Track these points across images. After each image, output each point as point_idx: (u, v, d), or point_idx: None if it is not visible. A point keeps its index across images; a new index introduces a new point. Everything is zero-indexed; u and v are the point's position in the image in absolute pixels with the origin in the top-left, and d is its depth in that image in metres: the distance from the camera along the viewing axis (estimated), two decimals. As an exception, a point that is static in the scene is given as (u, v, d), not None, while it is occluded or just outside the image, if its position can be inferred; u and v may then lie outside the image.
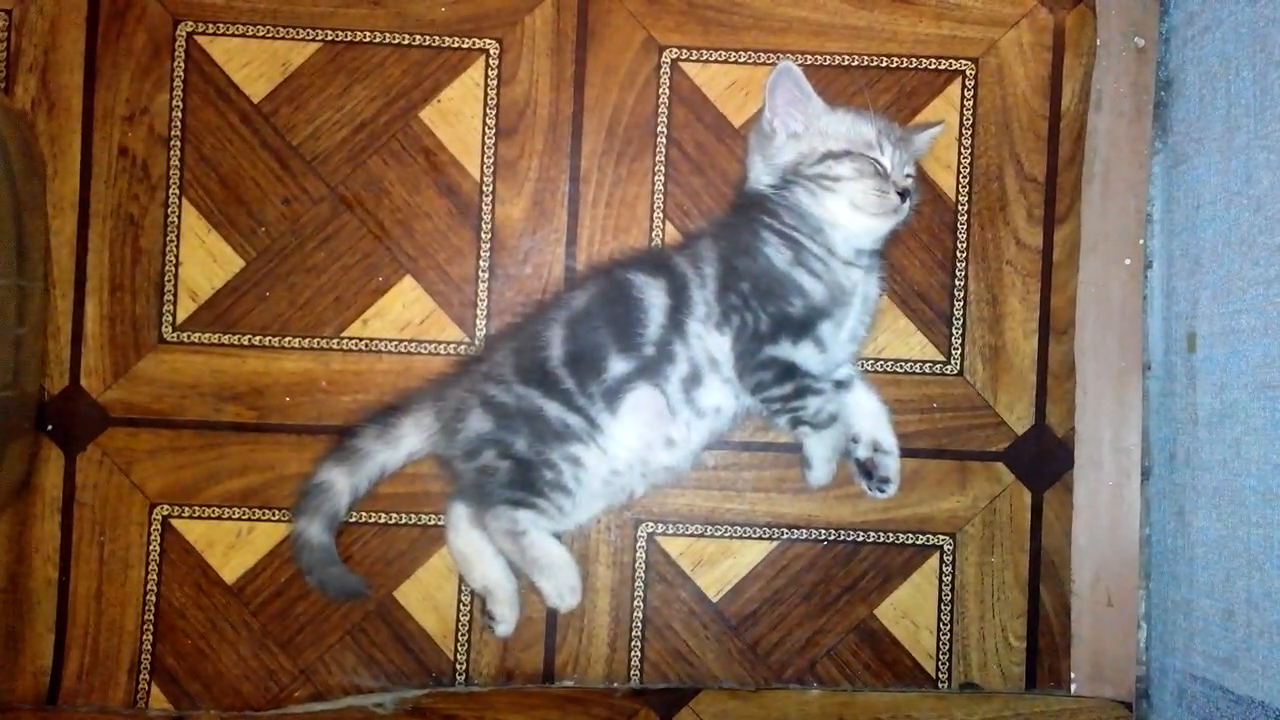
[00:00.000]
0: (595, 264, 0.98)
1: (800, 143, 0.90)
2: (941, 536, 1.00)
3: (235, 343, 1.00)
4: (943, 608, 0.99)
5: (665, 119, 1.00)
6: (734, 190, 0.98)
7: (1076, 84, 1.00)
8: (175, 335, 0.99)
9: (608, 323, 0.88)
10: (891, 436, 0.95)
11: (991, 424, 1.00)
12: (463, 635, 0.99)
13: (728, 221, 0.94)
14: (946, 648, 0.99)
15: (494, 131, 1.00)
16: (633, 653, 0.99)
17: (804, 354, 0.88)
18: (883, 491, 0.95)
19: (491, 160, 1.00)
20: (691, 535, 1.00)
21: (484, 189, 1.00)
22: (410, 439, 0.94)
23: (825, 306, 0.88)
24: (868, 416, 0.95)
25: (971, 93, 1.00)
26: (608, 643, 0.98)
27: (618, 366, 0.88)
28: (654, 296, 0.88)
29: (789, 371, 0.87)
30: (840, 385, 0.94)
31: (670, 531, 1.00)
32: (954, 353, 1.00)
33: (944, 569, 1.00)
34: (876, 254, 0.93)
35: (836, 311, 0.89)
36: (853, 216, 0.89)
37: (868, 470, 0.95)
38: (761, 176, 0.92)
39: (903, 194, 0.89)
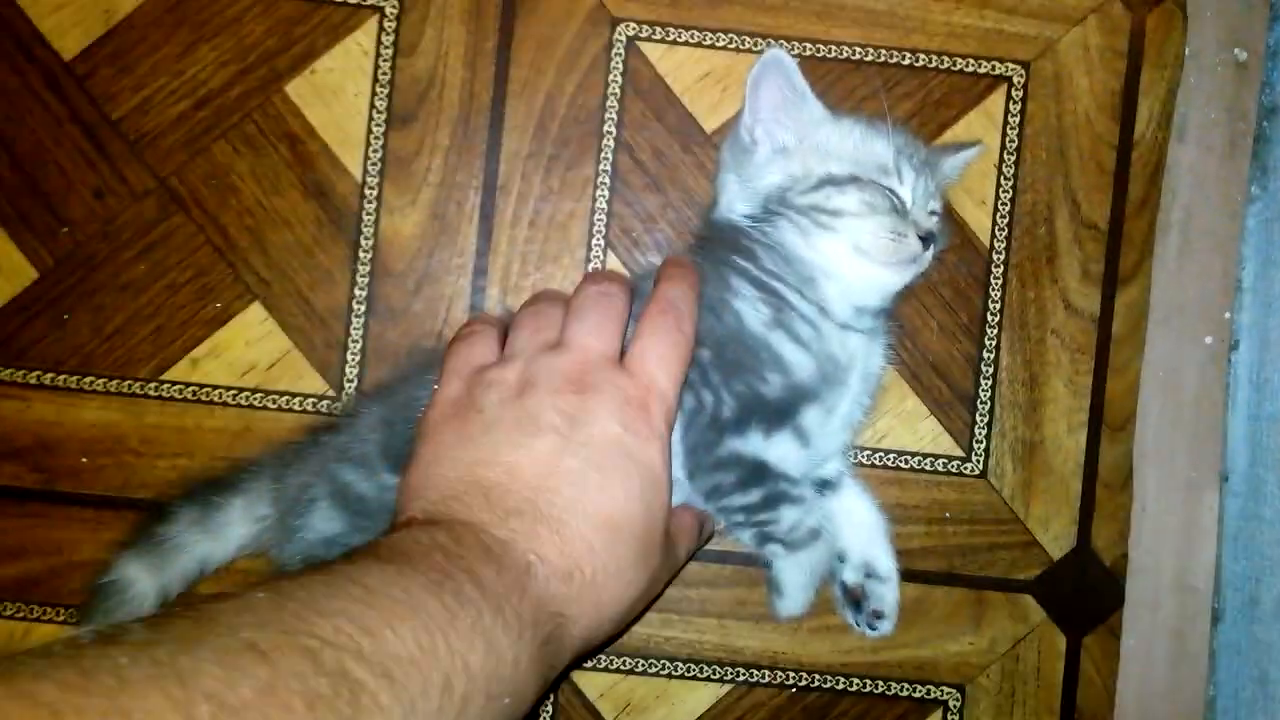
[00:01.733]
0: (505, 306, 0.73)
1: (790, 161, 0.65)
2: (947, 689, 0.76)
3: (19, 380, 0.74)
4: (943, 782, 0.75)
5: (615, 115, 0.75)
6: (700, 217, 0.74)
7: (1156, 104, 0.77)
8: (-66, 365, 0.73)
9: None
10: (890, 559, 0.71)
11: (1020, 544, 0.76)
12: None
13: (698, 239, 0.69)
14: (945, 836, 0.75)
15: (385, 117, 0.75)
16: (529, 825, 0.74)
17: (779, 450, 0.63)
18: (874, 629, 0.71)
19: (379, 155, 0.75)
20: (616, 671, 0.75)
21: (366, 193, 0.75)
22: (239, 529, 0.69)
23: (812, 386, 0.63)
24: (860, 529, 0.71)
25: (1019, 106, 0.76)
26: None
27: None
28: None
29: (758, 473, 0.63)
30: (825, 486, 0.70)
31: (589, 666, 0.75)
32: (976, 447, 0.76)
33: (947, 732, 0.76)
34: (883, 313, 0.69)
35: (827, 392, 0.64)
36: (856, 265, 0.64)
37: (856, 600, 0.71)
38: (735, 202, 0.67)
39: (925, 238, 0.64)
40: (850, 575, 0.71)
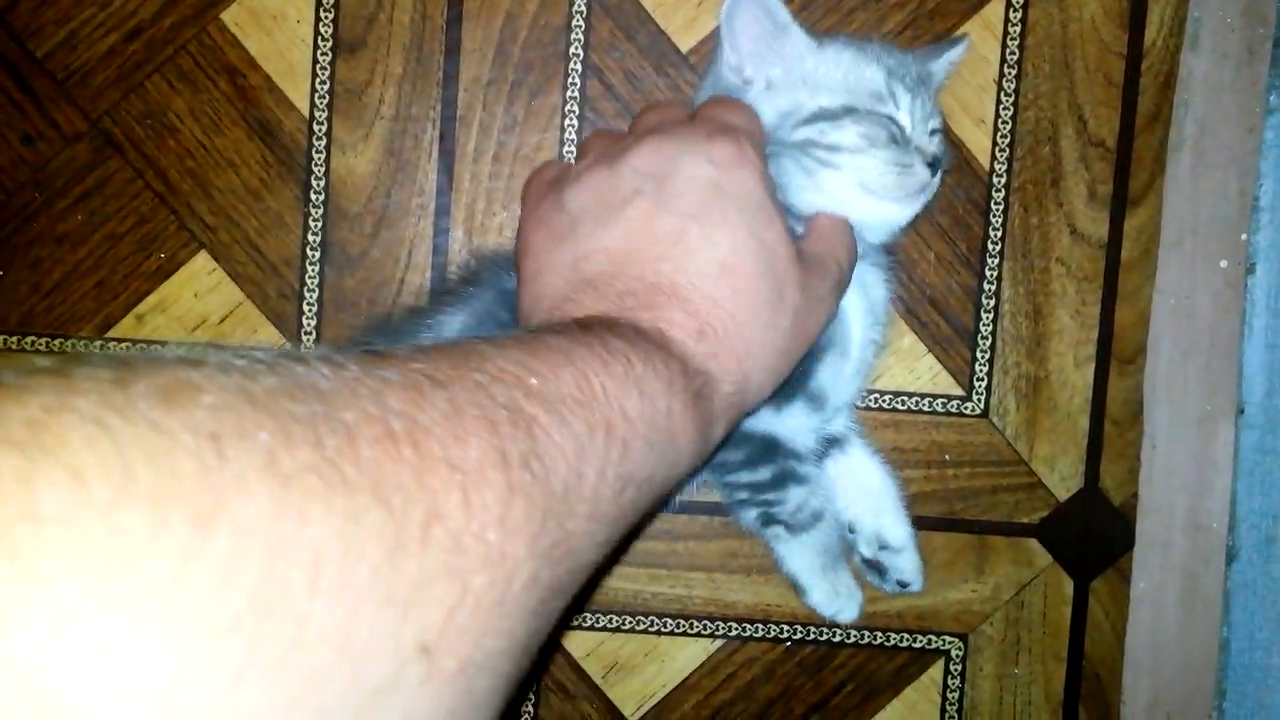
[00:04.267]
0: (479, 256, 0.68)
1: (778, 96, 0.59)
2: (948, 638, 0.72)
3: (-46, 341, 0.69)
4: (945, 734, 0.72)
5: (581, 36, 0.69)
6: None
7: (1167, 9, 0.71)
8: None
9: None
10: (901, 526, 0.66)
11: (1024, 485, 0.72)
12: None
13: None
14: (948, 788, 0.72)
15: (331, 45, 0.69)
16: (516, 789, 0.71)
17: (791, 423, 0.59)
18: (904, 588, 0.68)
19: (326, 87, 0.69)
20: (603, 630, 0.71)
21: (315, 129, 0.69)
22: None
23: (822, 340, 0.58)
24: (868, 497, 0.66)
25: (1019, 15, 0.70)
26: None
27: None
28: None
29: (768, 450, 0.59)
30: (833, 444, 0.65)
31: (574, 624, 0.71)
32: (977, 385, 0.71)
33: (950, 682, 0.72)
34: (883, 248, 0.64)
35: (839, 338, 0.60)
36: (863, 203, 0.58)
37: (879, 568, 0.67)
38: None
39: (931, 164, 0.59)
40: (865, 548, 0.67)
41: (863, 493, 0.66)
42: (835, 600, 0.67)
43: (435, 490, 0.27)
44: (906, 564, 0.66)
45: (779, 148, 0.58)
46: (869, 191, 0.57)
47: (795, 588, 0.67)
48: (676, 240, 0.46)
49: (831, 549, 0.65)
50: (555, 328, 0.41)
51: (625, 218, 0.47)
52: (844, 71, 0.59)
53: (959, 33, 0.70)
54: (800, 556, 0.64)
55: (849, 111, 0.57)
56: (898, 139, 0.58)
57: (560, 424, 0.33)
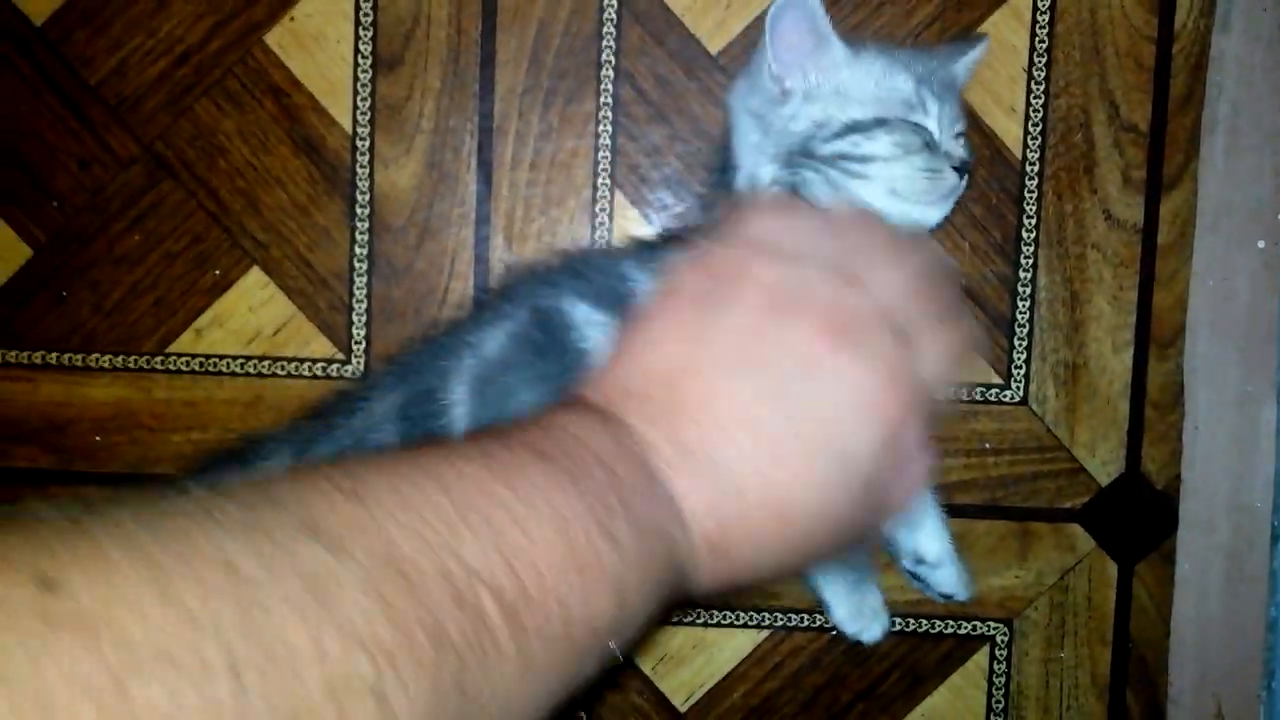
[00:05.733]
0: (516, 272, 0.69)
1: (813, 105, 0.59)
2: (993, 624, 0.73)
3: (23, 361, 0.72)
4: None
5: (613, 42, 0.71)
6: (711, 164, 0.68)
7: (1198, -10, 0.71)
8: (-63, 352, 0.72)
9: (530, 382, 0.57)
10: (938, 542, 0.66)
11: (1065, 471, 0.72)
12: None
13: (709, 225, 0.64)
14: (996, 771, 0.73)
15: (370, 63, 0.71)
16: (572, 779, 0.73)
17: None
18: (949, 598, 0.68)
19: (368, 104, 0.71)
20: (651, 623, 0.73)
21: (358, 144, 0.71)
22: None
23: None
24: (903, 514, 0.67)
25: (1048, 3, 0.70)
26: (538, 766, 0.73)
27: None
28: (604, 341, 0.56)
29: None
30: None
31: (622, 618, 0.73)
32: (1015, 373, 0.72)
33: (996, 668, 0.73)
34: None
35: None
36: (893, 207, 0.58)
37: (922, 579, 0.68)
38: (761, 165, 0.60)
39: (959, 168, 0.59)
40: (906, 563, 0.67)
41: None
42: (858, 619, 0.67)
43: None
44: (945, 578, 0.66)
45: (806, 160, 0.58)
46: (900, 197, 0.58)
47: (820, 602, 0.67)
48: (767, 444, 0.41)
49: (859, 566, 0.65)
50: (577, 456, 0.37)
51: (748, 382, 0.41)
52: (875, 81, 0.59)
53: (988, 22, 0.70)
54: (824, 572, 0.65)
55: (881, 123, 0.58)
56: (929, 144, 0.59)
57: (514, 632, 0.29)
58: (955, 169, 0.58)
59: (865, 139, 0.57)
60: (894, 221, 0.59)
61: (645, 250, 0.65)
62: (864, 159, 0.57)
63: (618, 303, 0.57)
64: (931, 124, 0.59)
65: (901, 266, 0.43)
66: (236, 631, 0.23)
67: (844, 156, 0.57)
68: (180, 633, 0.22)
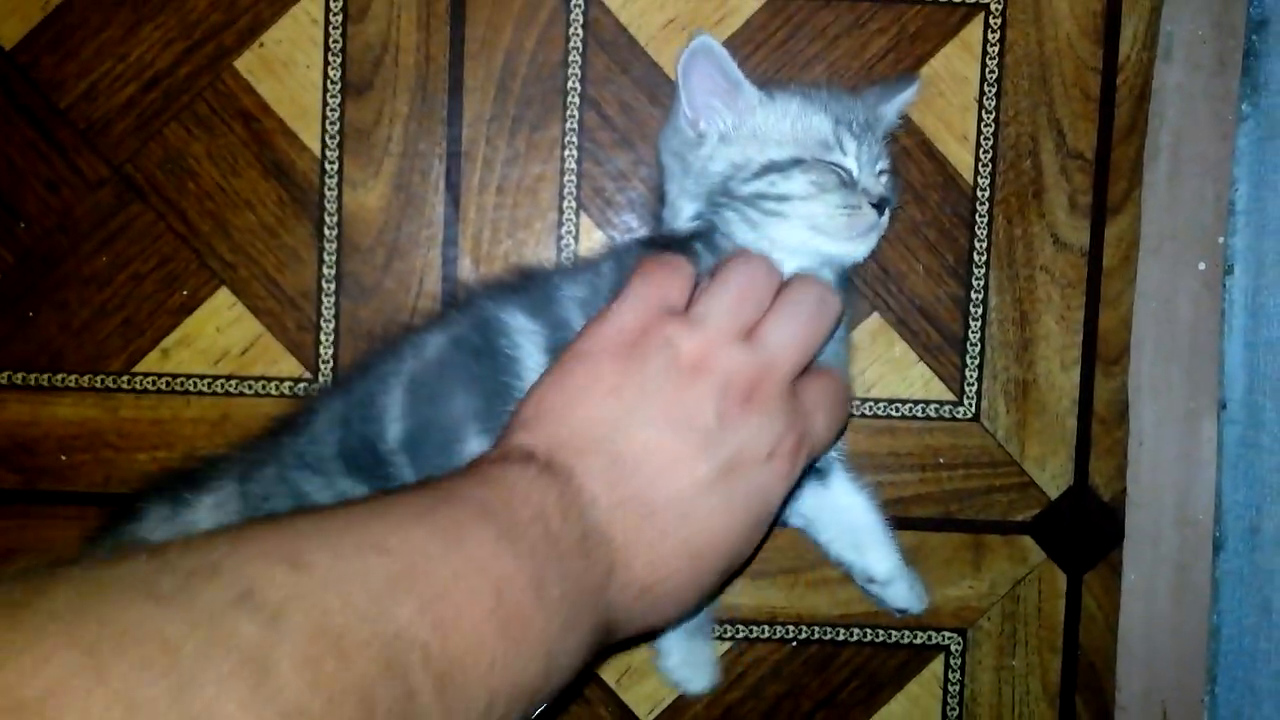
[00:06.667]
0: (466, 287, 0.71)
1: (730, 147, 0.61)
2: (948, 634, 0.75)
3: (-10, 381, 0.72)
4: (948, 726, 0.75)
5: (578, 70, 0.72)
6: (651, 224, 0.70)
7: (1140, 24, 0.74)
8: (-98, 372, 0.72)
9: (465, 384, 0.60)
10: (887, 561, 0.67)
11: (1016, 485, 0.75)
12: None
13: (644, 242, 0.65)
14: (952, 778, 0.75)
15: (339, 88, 0.72)
16: (538, 791, 0.74)
17: None
18: (904, 613, 0.70)
19: (336, 128, 0.72)
20: (616, 636, 0.75)
21: (327, 168, 0.72)
22: (207, 524, 0.67)
23: None
24: (849, 534, 0.66)
25: (998, 35, 0.73)
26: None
27: (477, 451, 0.56)
28: (530, 350, 0.59)
29: None
30: (816, 474, 0.66)
31: (588, 632, 0.74)
32: (968, 390, 0.75)
33: (950, 676, 0.75)
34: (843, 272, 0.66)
35: None
36: (814, 243, 0.60)
37: (874, 596, 0.70)
38: (683, 207, 0.62)
39: (878, 204, 0.60)
40: (859, 581, 0.69)
41: (843, 529, 0.66)
42: (686, 668, 0.69)
43: None
44: (897, 594, 0.68)
45: (726, 200, 0.60)
46: (822, 233, 0.60)
47: (654, 648, 0.69)
48: (697, 494, 0.45)
49: (700, 617, 0.66)
50: (521, 515, 0.39)
51: (677, 440, 0.45)
52: (791, 122, 0.61)
53: (940, 54, 0.73)
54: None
55: (797, 163, 0.60)
56: (846, 182, 0.60)
57: (441, 696, 0.31)
58: (874, 205, 0.60)
59: (782, 178, 0.59)
60: (819, 258, 0.61)
61: (579, 263, 0.69)
62: (781, 198, 0.59)
63: (546, 310, 0.60)
64: (850, 162, 0.61)
65: (794, 316, 0.50)
66: (172, 713, 0.24)
67: (762, 196, 0.59)
68: (116, 718, 0.23)
